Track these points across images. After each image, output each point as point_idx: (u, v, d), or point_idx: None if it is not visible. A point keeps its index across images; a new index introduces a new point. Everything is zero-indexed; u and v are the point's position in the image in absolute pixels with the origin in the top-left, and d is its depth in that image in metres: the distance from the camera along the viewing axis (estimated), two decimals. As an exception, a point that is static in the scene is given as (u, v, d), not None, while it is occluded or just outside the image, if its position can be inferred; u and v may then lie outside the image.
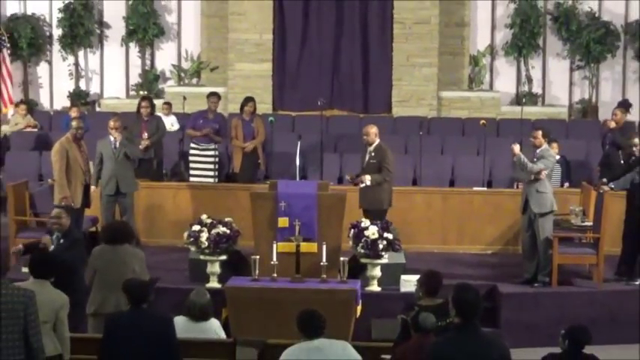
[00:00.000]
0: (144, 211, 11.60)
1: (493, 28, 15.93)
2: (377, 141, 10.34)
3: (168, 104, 14.29)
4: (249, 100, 12.50)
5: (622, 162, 11.33)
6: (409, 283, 9.21)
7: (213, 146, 12.47)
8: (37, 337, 5.68)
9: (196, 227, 9.68)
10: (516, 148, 9.80)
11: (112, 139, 10.83)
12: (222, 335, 7.29)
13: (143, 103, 12.39)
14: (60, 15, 15.93)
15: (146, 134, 12.11)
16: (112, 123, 10.91)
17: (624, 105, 13.35)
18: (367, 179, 10.07)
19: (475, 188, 11.95)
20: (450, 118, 15.09)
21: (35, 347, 5.67)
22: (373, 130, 10.33)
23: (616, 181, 10.39)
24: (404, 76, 15.14)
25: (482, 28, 15.90)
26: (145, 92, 15.52)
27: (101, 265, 7.68)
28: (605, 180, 10.44)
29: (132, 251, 7.75)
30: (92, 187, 10.66)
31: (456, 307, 5.24)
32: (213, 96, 12.73)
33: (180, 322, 6.83)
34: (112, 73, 16.31)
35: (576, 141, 13.36)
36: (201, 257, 9.65)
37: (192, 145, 12.55)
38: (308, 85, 15.18)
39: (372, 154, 10.26)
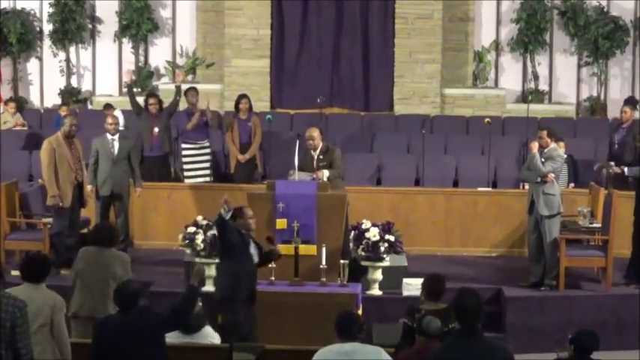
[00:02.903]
0: (138, 212, 11.51)
1: (498, 23, 15.83)
2: (321, 144, 10.09)
3: (109, 105, 14.09)
4: (242, 97, 12.45)
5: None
6: (411, 286, 9.23)
7: (207, 144, 12.39)
8: (28, 349, 5.57)
9: (192, 229, 9.65)
10: (535, 146, 9.73)
11: (109, 137, 10.72)
12: (217, 342, 7.08)
13: (151, 100, 12.36)
14: (51, 10, 15.78)
15: (157, 129, 12.10)
16: (109, 120, 10.83)
17: (633, 102, 13.24)
18: (325, 174, 9.84)
19: (480, 189, 11.91)
20: (454, 116, 15.02)
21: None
22: (317, 133, 10.08)
23: (630, 168, 10.28)
24: (406, 72, 15.04)
25: (487, 23, 15.80)
26: (139, 89, 15.37)
27: (83, 267, 7.63)
28: (612, 163, 10.26)
29: (116, 255, 7.66)
30: (89, 187, 10.56)
31: (455, 312, 5.17)
32: (191, 90, 12.66)
33: (171, 334, 6.67)
34: (104, 69, 16.18)
35: (584, 140, 13.39)
36: (197, 260, 9.57)
37: (185, 145, 12.45)
38: (307, 82, 15.08)
39: (321, 156, 10.01)
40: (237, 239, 7.79)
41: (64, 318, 6.47)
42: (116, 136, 10.72)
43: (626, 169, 10.28)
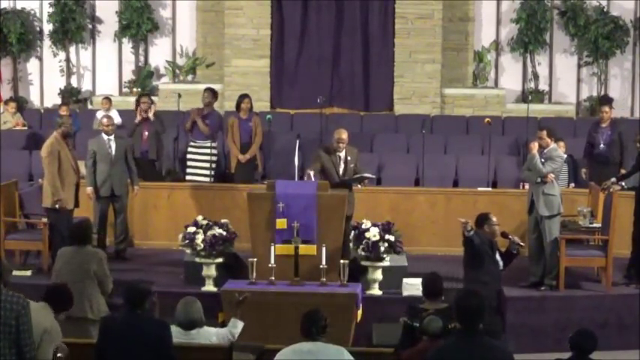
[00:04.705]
0: (138, 212, 11.44)
1: (498, 23, 15.81)
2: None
3: (107, 99, 14.08)
4: (244, 96, 12.35)
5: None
6: (411, 286, 9.17)
7: (209, 144, 12.30)
8: (31, 347, 5.56)
9: (192, 229, 9.57)
10: (535, 146, 9.70)
11: (105, 137, 10.66)
12: (221, 339, 7.00)
13: (143, 99, 12.33)
14: (51, 10, 15.77)
15: (147, 133, 12.13)
16: (105, 120, 10.78)
17: (610, 101, 13.22)
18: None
19: (479, 189, 11.84)
20: (454, 116, 14.99)
21: (27, 358, 5.54)
22: (346, 135, 9.98)
23: (627, 180, 10.28)
24: (406, 72, 15.01)
25: (487, 23, 15.78)
26: (139, 89, 15.36)
27: (60, 267, 7.69)
28: (613, 180, 10.24)
29: (91, 252, 7.72)
30: (89, 189, 10.51)
31: (456, 312, 5.13)
32: (205, 91, 12.57)
33: (172, 331, 6.58)
34: (104, 69, 16.17)
35: (584, 140, 13.16)
36: (197, 260, 9.56)
37: (190, 144, 12.45)
38: (307, 82, 15.04)
39: (348, 158, 9.96)
40: (486, 249, 7.98)
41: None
42: (112, 136, 10.67)
43: (622, 183, 10.21)
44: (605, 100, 13.35)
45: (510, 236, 8.41)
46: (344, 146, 9.95)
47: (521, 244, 8.49)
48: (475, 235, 8.07)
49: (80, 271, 7.54)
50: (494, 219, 8.30)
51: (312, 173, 9.59)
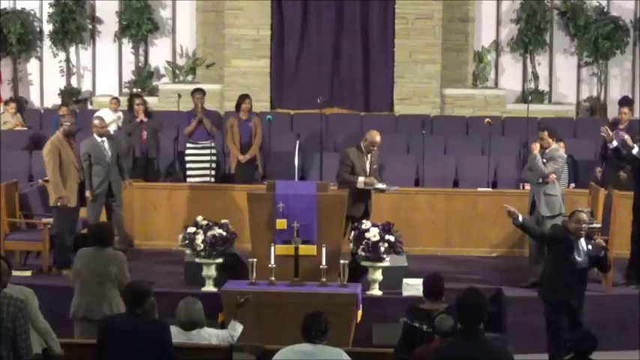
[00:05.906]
0: (138, 212, 11.43)
1: (498, 23, 15.81)
2: None
3: (116, 99, 14.10)
4: (245, 97, 12.38)
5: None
6: (411, 286, 9.16)
7: (209, 144, 12.33)
8: (29, 349, 5.61)
9: (192, 229, 9.56)
10: (536, 147, 9.70)
11: (98, 139, 10.60)
12: (221, 341, 7.02)
13: (137, 101, 12.37)
14: (51, 10, 15.76)
15: (145, 132, 12.19)
16: (97, 122, 10.73)
17: (629, 102, 13.13)
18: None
19: (480, 189, 11.86)
20: (454, 116, 14.99)
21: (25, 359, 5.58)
22: (379, 137, 10.03)
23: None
24: (406, 73, 15.01)
25: (487, 23, 15.78)
26: (139, 90, 15.35)
27: (80, 268, 7.66)
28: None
29: (112, 255, 7.68)
30: (87, 192, 10.48)
31: (457, 312, 5.16)
32: (198, 92, 12.60)
33: (172, 331, 6.59)
34: (104, 69, 16.16)
35: (584, 140, 13.27)
36: (197, 260, 9.55)
37: (189, 145, 12.45)
38: (307, 82, 15.04)
39: (373, 158, 10.06)
40: (560, 246, 7.99)
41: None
42: (105, 138, 10.63)
43: (635, 149, 9.88)
44: (625, 101, 13.24)
45: (593, 239, 8.25)
46: (374, 149, 10.01)
47: (604, 244, 8.39)
48: (555, 228, 8.03)
49: (100, 273, 7.51)
50: (581, 217, 8.01)
51: (362, 179, 9.77)
